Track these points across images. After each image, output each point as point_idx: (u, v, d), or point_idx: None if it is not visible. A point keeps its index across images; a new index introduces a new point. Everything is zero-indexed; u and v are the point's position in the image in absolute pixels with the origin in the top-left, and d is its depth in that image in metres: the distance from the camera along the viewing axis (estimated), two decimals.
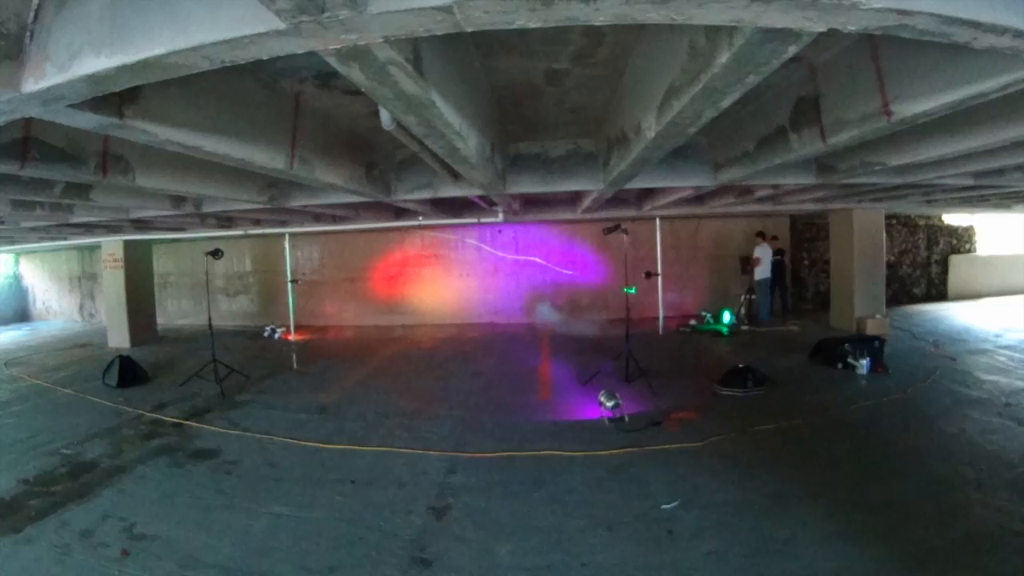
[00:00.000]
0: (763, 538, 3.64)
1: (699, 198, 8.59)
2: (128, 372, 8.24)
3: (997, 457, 4.68)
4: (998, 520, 3.72)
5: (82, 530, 3.99)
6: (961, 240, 15.14)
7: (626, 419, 5.76)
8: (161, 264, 14.14)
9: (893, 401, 6.26)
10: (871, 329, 9.63)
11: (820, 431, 5.45)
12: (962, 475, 4.38)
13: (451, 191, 6.28)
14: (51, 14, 2.04)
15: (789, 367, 7.96)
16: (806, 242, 13.68)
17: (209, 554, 3.67)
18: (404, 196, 6.36)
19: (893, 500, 4.05)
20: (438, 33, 1.76)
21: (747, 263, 12.18)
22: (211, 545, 3.79)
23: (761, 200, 8.59)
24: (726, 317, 11.22)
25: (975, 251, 15.42)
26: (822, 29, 1.72)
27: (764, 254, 11.73)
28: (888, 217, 12.01)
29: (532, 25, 1.70)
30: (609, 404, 5.88)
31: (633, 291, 7.70)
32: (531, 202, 9.79)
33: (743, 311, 11.89)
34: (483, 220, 10.35)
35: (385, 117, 3.10)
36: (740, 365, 7.01)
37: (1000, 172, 6.42)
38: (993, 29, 1.74)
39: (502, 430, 5.77)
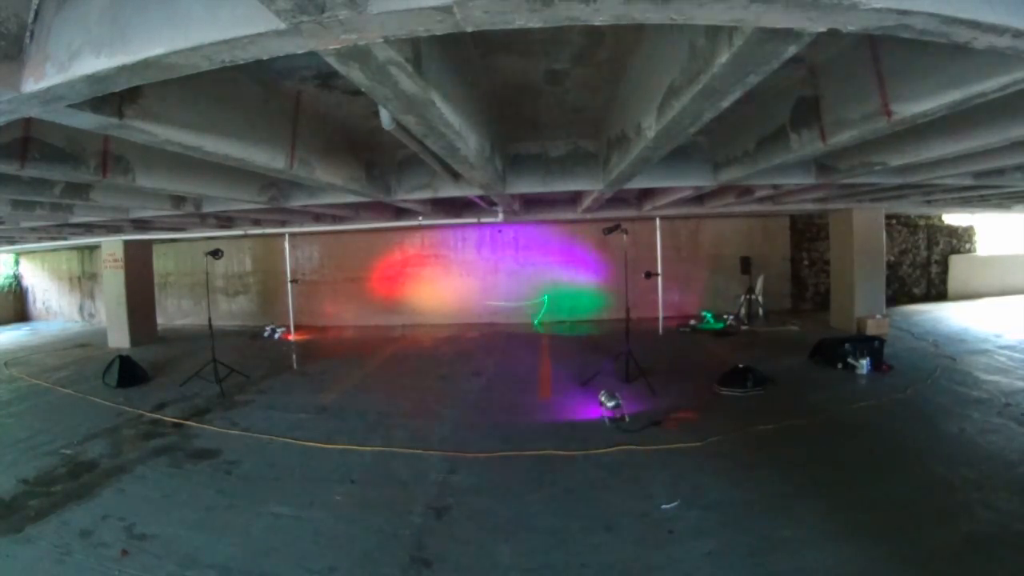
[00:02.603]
0: (764, 538, 3.64)
1: (699, 198, 8.60)
2: (128, 372, 8.24)
3: (997, 457, 4.69)
4: (998, 520, 3.72)
5: (82, 530, 4.00)
6: (961, 240, 15.13)
7: (626, 419, 5.76)
8: (161, 264, 14.16)
9: (893, 401, 6.26)
10: (871, 329, 9.66)
11: (820, 431, 5.45)
12: (962, 475, 4.38)
13: (451, 191, 6.28)
14: (51, 14, 2.04)
15: (789, 367, 7.96)
16: (806, 242, 13.67)
17: (209, 554, 3.67)
18: (404, 196, 6.36)
19: (893, 500, 4.06)
20: (438, 33, 1.76)
21: (747, 263, 12.18)
22: (211, 545, 3.79)
23: (761, 200, 8.59)
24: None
25: (975, 251, 15.40)
26: (822, 29, 1.72)
27: None
28: (888, 217, 12.02)
29: (532, 25, 1.70)
30: (610, 404, 5.88)
31: None
32: (531, 202, 9.79)
33: (743, 311, 11.90)
34: (483, 220, 10.36)
35: (385, 117, 3.10)
36: (740, 365, 7.02)
37: (1000, 172, 6.42)
38: (993, 29, 1.74)
39: (502, 430, 5.77)
